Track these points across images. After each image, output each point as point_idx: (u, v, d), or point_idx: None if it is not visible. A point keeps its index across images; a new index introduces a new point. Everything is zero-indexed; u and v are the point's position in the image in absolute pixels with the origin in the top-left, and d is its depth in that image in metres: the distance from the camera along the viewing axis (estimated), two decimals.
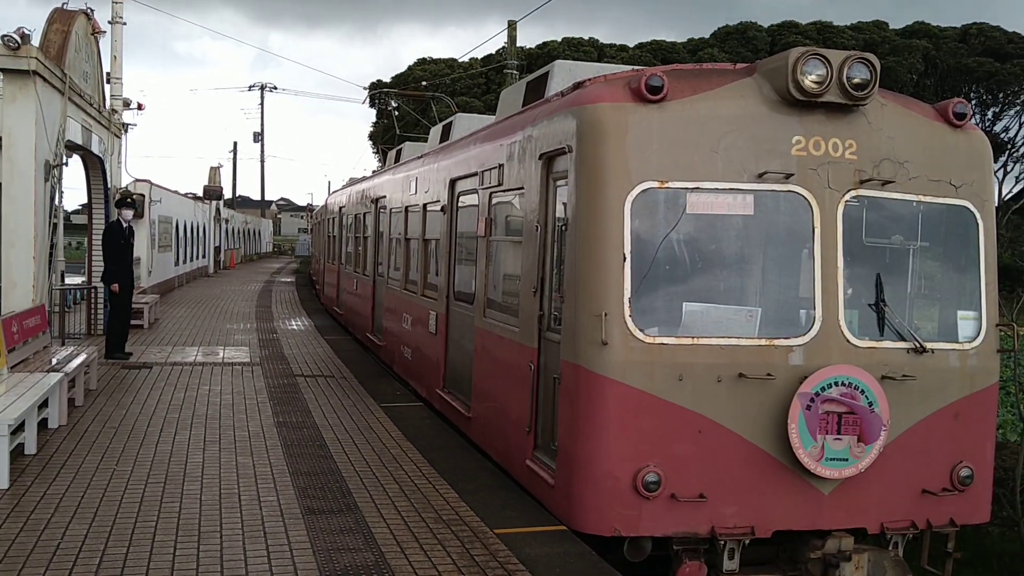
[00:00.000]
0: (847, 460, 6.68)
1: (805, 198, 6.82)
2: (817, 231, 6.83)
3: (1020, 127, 49.58)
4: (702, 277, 6.96)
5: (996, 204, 7.63)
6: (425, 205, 12.67)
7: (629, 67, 8.39)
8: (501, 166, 8.93)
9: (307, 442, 9.62)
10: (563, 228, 7.31)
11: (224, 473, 8.32)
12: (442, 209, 11.50)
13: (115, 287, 14.88)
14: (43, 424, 9.55)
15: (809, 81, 6.69)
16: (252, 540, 6.59)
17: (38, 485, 7.78)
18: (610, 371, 6.60)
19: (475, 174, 9.97)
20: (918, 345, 7.01)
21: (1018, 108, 49.40)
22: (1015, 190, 49.01)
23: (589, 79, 7.39)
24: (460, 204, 10.97)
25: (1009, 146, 48.62)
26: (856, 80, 6.72)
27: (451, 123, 14.08)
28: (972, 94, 47.45)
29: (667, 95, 6.71)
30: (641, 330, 6.60)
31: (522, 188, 8.29)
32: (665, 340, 6.63)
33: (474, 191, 10.08)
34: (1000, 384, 7.65)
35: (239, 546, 6.46)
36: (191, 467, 8.49)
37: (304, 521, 7.05)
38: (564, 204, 7.34)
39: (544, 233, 7.72)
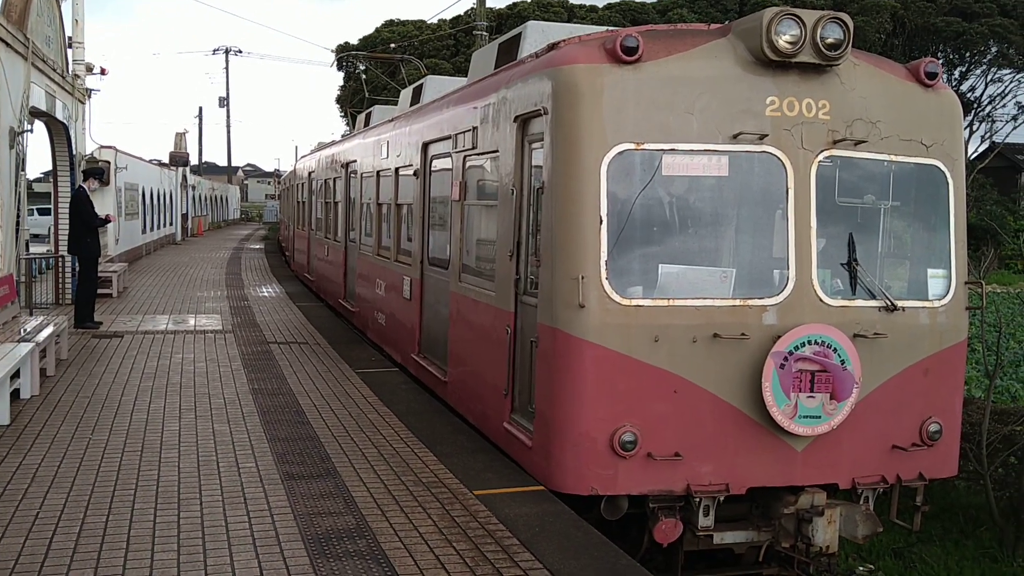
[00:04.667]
0: (820, 417, 6.79)
1: (779, 159, 6.86)
2: (791, 192, 6.87)
3: (986, 87, 49.97)
4: (677, 239, 7.00)
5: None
6: (397, 169, 12.60)
7: (603, 28, 8.36)
8: (475, 129, 8.89)
9: (283, 408, 9.62)
10: (539, 191, 7.31)
11: (201, 440, 8.31)
12: (415, 173, 11.44)
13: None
14: (15, 395, 9.47)
15: (783, 41, 6.69)
16: (232, 506, 6.61)
17: (13, 455, 7.73)
18: (587, 333, 6.64)
19: (448, 137, 9.91)
20: (889, 303, 7.11)
21: (984, 68, 49.74)
22: (980, 149, 49.54)
23: (564, 40, 7.35)
24: (433, 168, 10.91)
25: (975, 106, 49.02)
26: (829, 40, 6.73)
27: (421, 85, 13.96)
28: (940, 54, 47.66)
29: (642, 56, 6.70)
30: (617, 292, 6.64)
31: (497, 151, 8.26)
32: (641, 302, 6.68)
33: (447, 155, 10.03)
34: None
35: (219, 512, 6.48)
36: (167, 435, 8.47)
37: (284, 486, 7.07)
38: (539, 167, 7.33)
39: (520, 196, 7.71)
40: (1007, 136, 49.86)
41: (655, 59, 6.77)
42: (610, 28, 8.02)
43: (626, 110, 6.70)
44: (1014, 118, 49.40)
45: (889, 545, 9.97)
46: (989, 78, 49.50)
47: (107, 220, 15.45)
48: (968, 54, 49.19)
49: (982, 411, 10.72)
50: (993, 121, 49.32)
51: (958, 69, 49.23)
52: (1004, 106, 49.68)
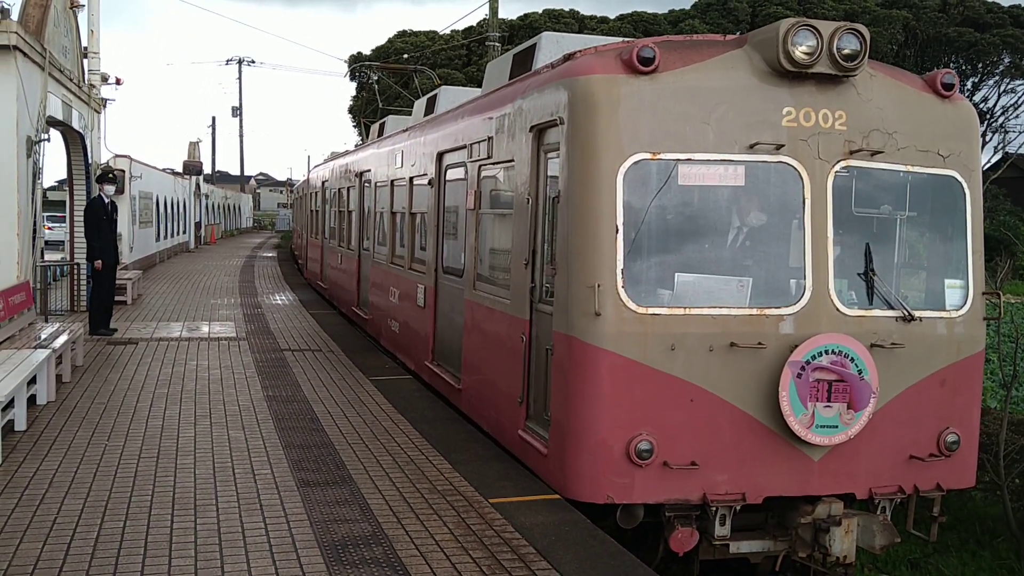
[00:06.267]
0: (837, 427, 6.77)
1: (795, 169, 6.87)
2: (807, 201, 6.88)
3: (999, 97, 49.90)
4: (694, 248, 7.01)
5: None
6: (411, 179, 12.64)
7: (618, 39, 8.38)
8: (490, 139, 8.92)
9: (298, 415, 9.65)
10: (555, 200, 7.33)
11: (217, 447, 8.34)
12: (429, 183, 11.48)
13: (98, 264, 14.79)
14: (32, 401, 9.53)
15: (800, 52, 6.71)
16: (249, 513, 6.63)
17: (30, 461, 7.78)
18: (603, 342, 6.64)
19: (463, 147, 9.94)
20: (906, 313, 7.09)
21: (997, 78, 49.65)
22: (993, 160, 49.39)
23: (579, 50, 7.38)
24: (448, 177, 10.95)
25: (988, 116, 48.91)
26: (846, 51, 6.74)
27: (436, 96, 14.02)
28: (952, 64, 47.61)
29: (658, 66, 6.72)
30: (634, 301, 6.64)
31: (512, 161, 8.29)
32: (657, 310, 6.68)
33: (462, 164, 10.06)
34: None
35: (236, 519, 6.50)
36: (183, 441, 8.50)
37: (299, 493, 7.09)
38: (555, 176, 7.35)
39: (535, 205, 7.73)
40: (1020, 147, 49.72)
41: (671, 69, 6.79)
42: (625, 39, 8.05)
43: (642, 120, 6.72)
44: None
45: (905, 556, 9.91)
46: (1002, 89, 49.38)
47: (95, 265, 14.93)
48: (980, 65, 49.12)
49: (999, 422, 10.67)
50: (1006, 132, 49.21)
51: (970, 80, 49.17)
52: (1017, 117, 49.57)
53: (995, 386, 15.14)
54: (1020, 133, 49.67)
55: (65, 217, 22.05)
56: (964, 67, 49.01)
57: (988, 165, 47.29)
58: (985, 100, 49.79)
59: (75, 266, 18.11)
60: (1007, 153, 49.02)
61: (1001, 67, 48.96)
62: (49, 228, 40.08)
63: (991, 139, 48.95)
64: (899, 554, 9.83)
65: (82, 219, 16.40)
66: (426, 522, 6.56)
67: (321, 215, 23.96)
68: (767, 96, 6.86)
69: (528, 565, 5.86)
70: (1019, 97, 49.54)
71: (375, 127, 19.60)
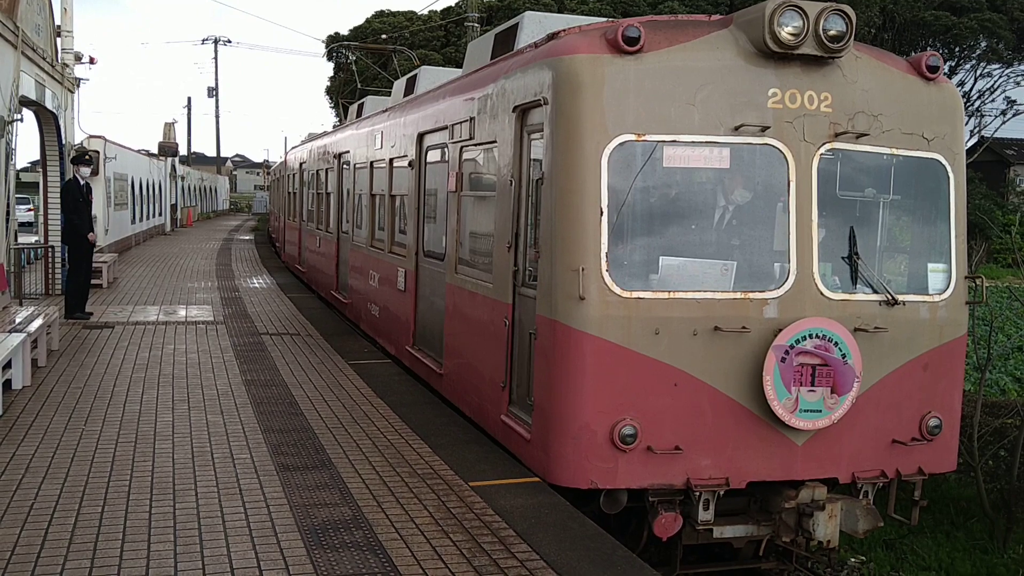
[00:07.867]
0: (821, 411, 6.76)
1: (781, 151, 6.82)
2: (792, 184, 6.84)
3: (975, 81, 50.13)
4: (678, 231, 6.95)
5: None
6: (391, 160, 12.52)
7: (601, 19, 8.30)
8: (472, 119, 8.82)
9: (277, 400, 9.56)
10: (538, 182, 7.26)
11: (195, 431, 8.24)
12: (409, 164, 11.36)
13: (92, 236, 14.66)
14: (7, 385, 9.38)
15: (786, 33, 6.65)
16: (228, 497, 6.55)
17: (6, 446, 7.65)
18: (587, 326, 6.60)
19: (444, 128, 9.84)
20: (890, 297, 7.08)
21: (973, 63, 49.89)
22: (969, 144, 49.69)
23: (564, 30, 7.28)
24: (428, 159, 10.84)
25: (964, 100, 49.18)
26: (832, 32, 6.70)
27: (416, 76, 13.88)
28: (929, 48, 47.80)
29: (644, 47, 6.64)
30: (618, 284, 6.59)
31: (495, 142, 8.20)
32: (641, 294, 6.64)
33: (443, 145, 9.96)
34: None
35: (215, 503, 6.42)
36: (161, 426, 8.40)
37: (279, 477, 7.02)
38: (538, 158, 7.28)
39: (518, 187, 7.66)
40: (996, 131, 50.09)
41: (657, 50, 6.72)
42: (610, 19, 7.97)
43: (627, 101, 6.65)
44: (1003, 113, 49.63)
45: (881, 537, 9.98)
46: (978, 73, 49.65)
47: (90, 238, 14.85)
48: (958, 49, 49.34)
49: (973, 404, 10.74)
50: (982, 116, 49.53)
51: (948, 64, 49.37)
52: (993, 101, 49.91)
53: (968, 368, 15.25)
54: (995, 117, 49.93)
55: (27, 199, 21.74)
56: (941, 51, 49.19)
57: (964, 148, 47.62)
58: (962, 84, 50.02)
59: (50, 249, 17.86)
60: (983, 137, 49.40)
61: (978, 51, 49.19)
62: None
63: (967, 123, 49.23)
64: (875, 536, 9.89)
65: (57, 201, 16.17)
66: (406, 506, 6.51)
67: (299, 197, 23.74)
68: (753, 77, 6.81)
69: (508, 548, 5.83)
70: (995, 81, 49.83)
71: (353, 108, 19.41)
